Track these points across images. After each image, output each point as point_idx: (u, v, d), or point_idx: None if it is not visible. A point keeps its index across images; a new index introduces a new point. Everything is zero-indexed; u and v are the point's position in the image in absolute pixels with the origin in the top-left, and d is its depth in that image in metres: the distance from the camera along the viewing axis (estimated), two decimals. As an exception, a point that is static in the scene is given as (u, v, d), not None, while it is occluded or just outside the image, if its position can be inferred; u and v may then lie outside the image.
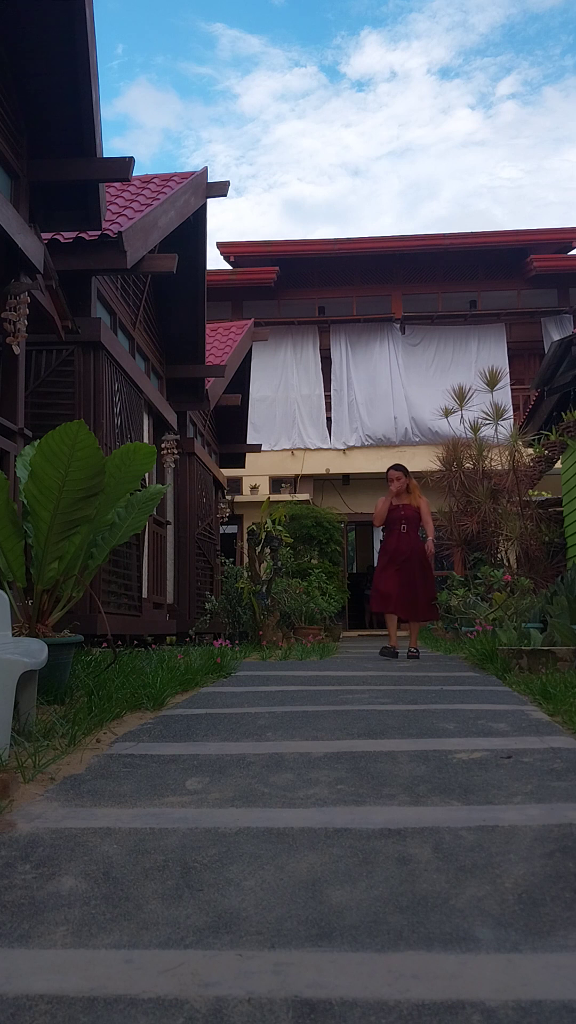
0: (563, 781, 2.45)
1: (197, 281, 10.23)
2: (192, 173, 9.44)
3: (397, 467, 7.97)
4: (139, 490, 4.82)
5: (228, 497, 15.59)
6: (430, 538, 7.82)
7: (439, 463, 12.62)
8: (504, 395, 17.44)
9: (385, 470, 8.18)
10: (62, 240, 7.04)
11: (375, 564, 8.50)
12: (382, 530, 8.08)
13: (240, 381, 14.08)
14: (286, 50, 68.03)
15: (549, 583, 9.61)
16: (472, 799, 2.29)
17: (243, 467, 16.51)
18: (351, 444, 19.22)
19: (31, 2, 5.52)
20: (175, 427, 10.32)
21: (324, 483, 19.49)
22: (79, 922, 1.54)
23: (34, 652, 3.12)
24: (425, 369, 19.52)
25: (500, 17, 63.27)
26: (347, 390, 19.64)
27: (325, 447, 19.26)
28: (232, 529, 18.03)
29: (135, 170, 6.41)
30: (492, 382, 12.46)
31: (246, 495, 18.27)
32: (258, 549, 10.76)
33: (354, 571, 21.35)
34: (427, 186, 72.63)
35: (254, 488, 18.55)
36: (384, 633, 9.06)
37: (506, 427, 12.14)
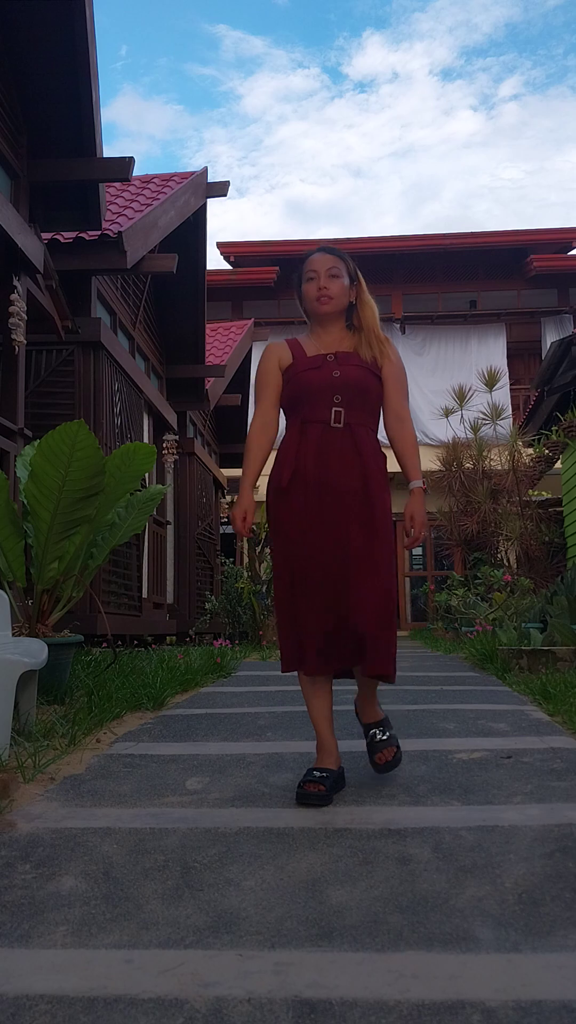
0: (563, 781, 2.45)
1: (197, 281, 10.23)
2: (192, 173, 9.44)
3: (331, 251, 2.61)
4: (139, 490, 4.82)
5: (228, 497, 15.59)
6: (417, 483, 2.52)
7: (439, 463, 12.61)
8: (504, 395, 17.45)
9: None
10: (62, 240, 7.04)
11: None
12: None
13: (240, 381, 14.08)
14: (289, 51, 68.11)
15: (549, 583, 9.61)
16: (472, 799, 2.29)
17: (243, 467, 16.49)
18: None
19: (31, 2, 5.52)
20: (175, 427, 10.31)
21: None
22: (79, 922, 1.54)
23: (34, 652, 3.13)
24: (425, 369, 19.51)
25: (503, 17, 63.30)
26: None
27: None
28: (232, 529, 18.02)
29: (135, 170, 6.41)
30: (490, 382, 12.47)
31: (246, 495, 18.23)
32: (258, 549, 10.75)
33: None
34: (428, 187, 72.64)
35: (254, 488, 18.53)
36: None
37: (505, 427, 12.14)
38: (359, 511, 2.37)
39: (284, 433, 2.53)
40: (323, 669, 2.41)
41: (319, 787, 2.25)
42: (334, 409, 2.42)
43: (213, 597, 11.26)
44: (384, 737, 2.53)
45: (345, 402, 2.42)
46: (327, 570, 2.35)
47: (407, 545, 2.48)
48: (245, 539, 11.48)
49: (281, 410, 2.59)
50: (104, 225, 6.99)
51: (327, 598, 2.35)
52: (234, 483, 17.68)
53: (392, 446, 2.54)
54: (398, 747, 2.54)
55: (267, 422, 2.58)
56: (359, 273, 2.58)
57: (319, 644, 2.35)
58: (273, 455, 2.54)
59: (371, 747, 2.54)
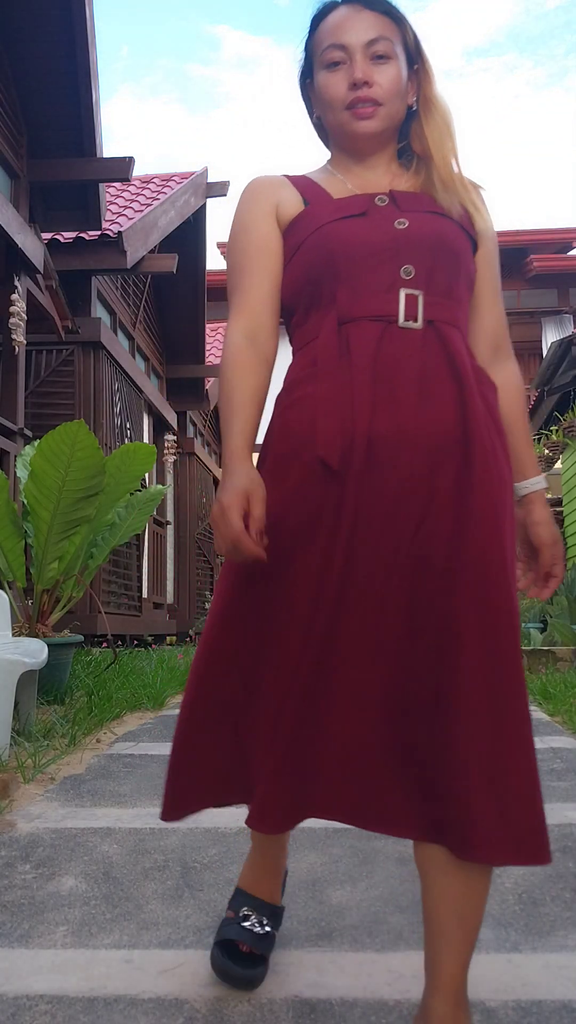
0: (563, 781, 2.45)
1: (197, 281, 10.23)
2: (192, 173, 9.44)
3: (374, 4, 1.23)
4: (139, 490, 4.82)
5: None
6: (538, 483, 1.25)
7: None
8: (504, 395, 17.44)
9: None
10: (62, 240, 7.05)
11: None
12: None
13: (240, 381, 14.09)
14: (290, 52, 68.35)
15: (549, 583, 9.59)
16: (472, 799, 2.29)
17: (243, 467, 16.50)
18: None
19: (31, 2, 5.52)
20: (175, 427, 10.32)
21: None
22: (79, 922, 1.54)
23: (34, 652, 3.13)
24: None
25: (503, 17, 63.40)
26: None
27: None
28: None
29: (135, 170, 6.42)
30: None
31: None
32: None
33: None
34: (427, 186, 72.73)
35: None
36: None
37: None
38: (459, 491, 1.09)
39: (299, 350, 1.23)
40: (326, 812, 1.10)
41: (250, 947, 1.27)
42: (403, 292, 1.15)
43: (213, 597, 11.27)
44: None
45: (423, 277, 1.16)
46: (388, 623, 1.07)
47: (538, 592, 1.23)
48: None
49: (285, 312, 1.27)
50: (104, 225, 7.00)
51: (377, 682, 1.07)
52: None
53: None
54: None
55: (256, 329, 1.23)
56: (422, 48, 1.27)
57: (339, 772, 1.08)
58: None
59: None
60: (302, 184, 1.27)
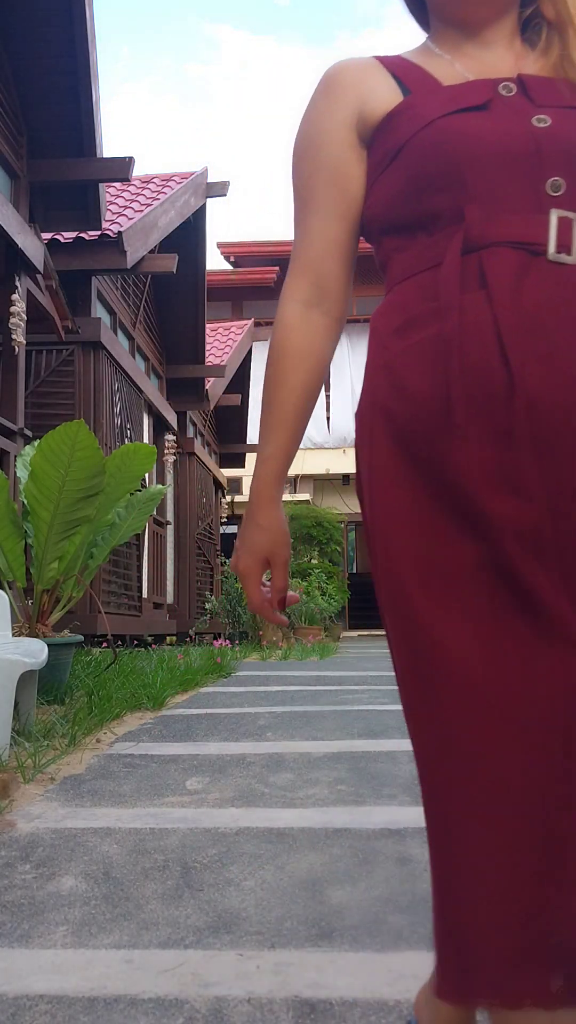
0: None
1: (197, 281, 10.23)
2: (192, 173, 9.44)
3: None
4: (139, 490, 4.82)
5: (228, 497, 15.61)
6: None
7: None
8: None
9: None
10: (62, 240, 7.05)
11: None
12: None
13: (240, 381, 14.09)
14: (291, 51, 68.42)
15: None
16: (472, 799, 2.29)
17: (243, 467, 16.54)
18: (351, 444, 19.17)
19: (31, 2, 5.52)
20: (175, 427, 10.32)
21: (324, 483, 19.48)
22: (79, 922, 1.54)
23: (34, 652, 3.13)
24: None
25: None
26: (348, 389, 19.65)
27: (326, 447, 19.26)
28: (232, 529, 18.04)
29: (135, 170, 6.42)
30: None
31: (246, 495, 18.25)
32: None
33: (354, 571, 21.36)
34: (427, 186, 72.71)
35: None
36: None
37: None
38: None
39: (403, 281, 0.90)
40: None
41: None
42: (555, 214, 0.84)
43: (213, 597, 11.26)
44: None
45: (574, 195, 0.85)
46: None
47: None
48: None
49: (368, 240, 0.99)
50: (104, 225, 7.00)
51: None
52: (234, 483, 17.57)
53: None
54: None
55: (321, 285, 0.98)
56: None
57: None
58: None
59: None
60: (399, 67, 0.95)
